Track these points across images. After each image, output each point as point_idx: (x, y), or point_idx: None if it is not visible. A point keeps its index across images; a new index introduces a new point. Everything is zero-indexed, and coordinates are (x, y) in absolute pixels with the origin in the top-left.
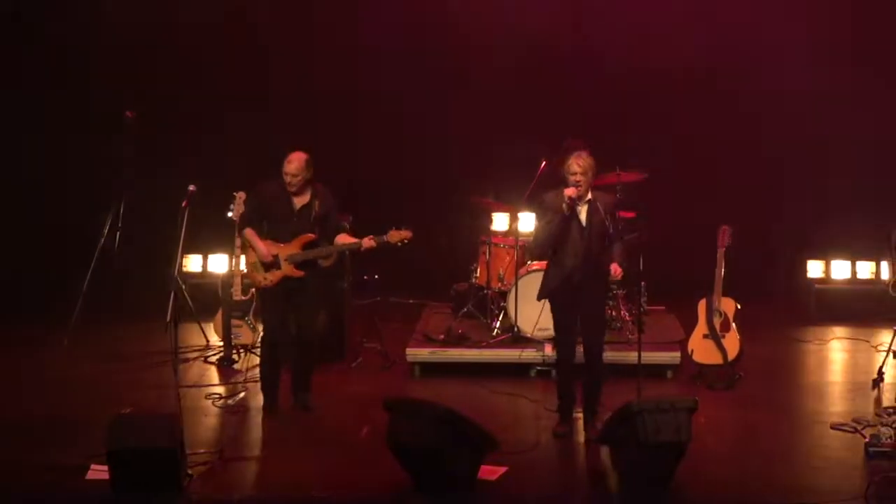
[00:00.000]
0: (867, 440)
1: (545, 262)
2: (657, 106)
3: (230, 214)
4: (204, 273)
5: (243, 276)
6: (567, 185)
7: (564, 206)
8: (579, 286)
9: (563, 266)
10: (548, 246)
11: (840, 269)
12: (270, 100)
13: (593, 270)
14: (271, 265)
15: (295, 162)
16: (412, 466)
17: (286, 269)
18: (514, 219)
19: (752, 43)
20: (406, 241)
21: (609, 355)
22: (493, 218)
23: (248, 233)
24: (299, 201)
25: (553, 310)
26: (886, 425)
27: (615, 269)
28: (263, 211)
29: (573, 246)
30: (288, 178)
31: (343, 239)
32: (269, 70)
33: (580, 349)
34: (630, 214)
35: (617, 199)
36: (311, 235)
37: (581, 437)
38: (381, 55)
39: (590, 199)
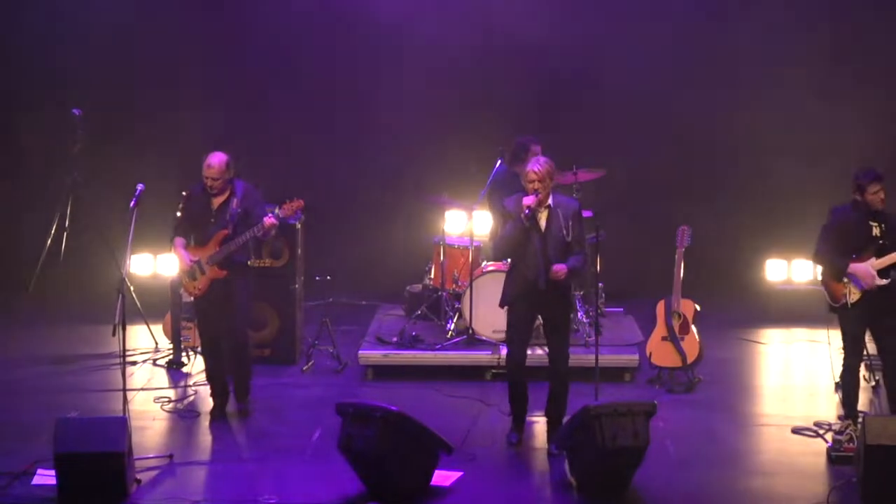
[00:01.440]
0: (829, 444)
1: (501, 263)
2: (615, 104)
3: (179, 214)
4: (153, 274)
5: (178, 286)
6: (525, 191)
7: (522, 215)
8: (543, 292)
9: (521, 274)
10: (507, 253)
11: (801, 270)
12: (224, 99)
13: (555, 280)
14: (195, 271)
15: (215, 165)
16: (364, 471)
17: (210, 271)
18: (469, 219)
19: (710, 43)
20: (300, 209)
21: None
22: (448, 218)
23: (175, 242)
24: (217, 201)
25: (510, 314)
26: (842, 431)
27: (556, 269)
28: (188, 216)
29: (533, 253)
30: (209, 182)
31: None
32: (222, 69)
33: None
34: (587, 214)
35: (580, 206)
36: (224, 232)
37: (537, 442)
38: (335, 53)
39: (550, 206)
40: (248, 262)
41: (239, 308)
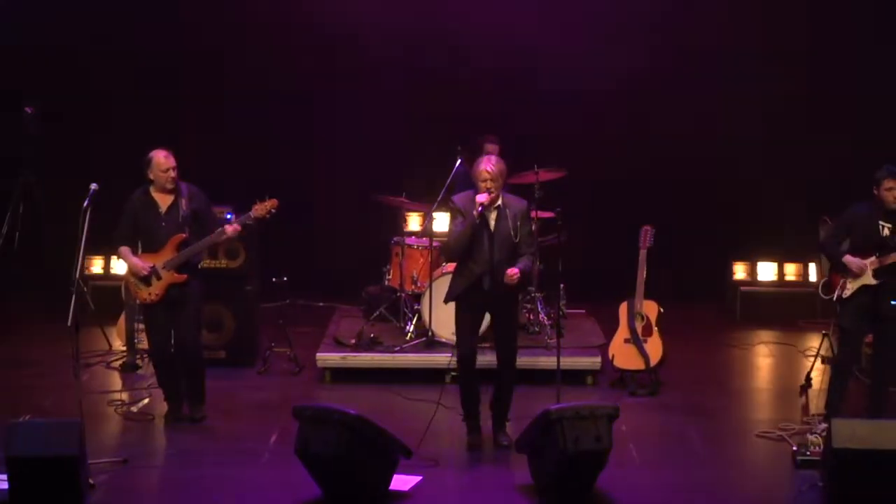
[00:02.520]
0: (795, 448)
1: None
2: (577, 103)
3: (123, 222)
4: (107, 275)
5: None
6: (477, 189)
7: (475, 212)
8: (488, 292)
9: (470, 272)
10: (458, 251)
11: (766, 271)
12: (180, 98)
13: (502, 277)
14: (149, 277)
15: (171, 156)
16: (322, 476)
17: (167, 276)
18: (428, 219)
19: (677, 42)
20: (274, 209)
21: (527, 361)
22: (407, 218)
23: (122, 250)
24: (165, 204)
25: (458, 311)
26: (814, 433)
27: (510, 272)
28: (133, 223)
29: (481, 252)
30: (172, 174)
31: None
32: (179, 68)
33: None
34: (549, 214)
35: (530, 206)
36: (182, 235)
37: (497, 446)
38: (290, 52)
39: (499, 205)
40: (200, 265)
41: (191, 313)
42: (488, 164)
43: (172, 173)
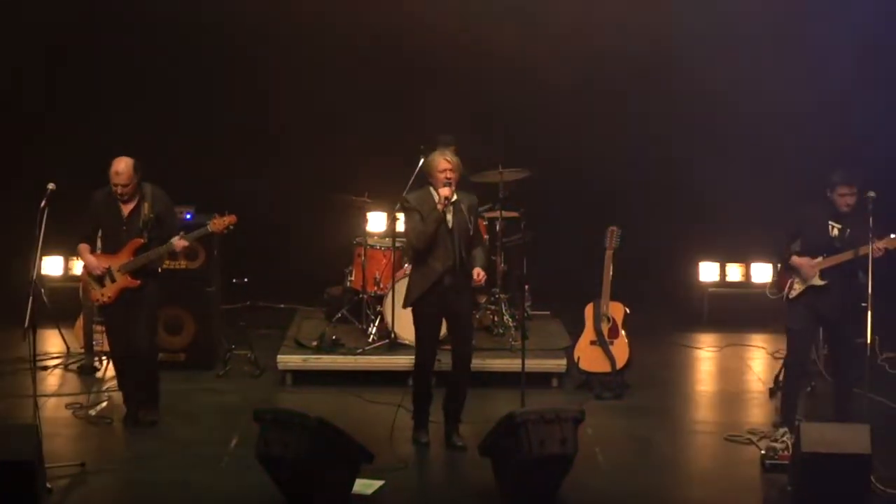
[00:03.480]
0: (763, 452)
1: None
2: (542, 101)
3: (85, 219)
4: (65, 276)
5: (84, 294)
6: (431, 183)
7: (440, 206)
8: (448, 291)
9: (433, 270)
10: (425, 248)
11: (734, 272)
12: (138, 98)
13: (462, 274)
14: (104, 278)
15: (123, 172)
16: (283, 480)
17: (121, 280)
18: (391, 219)
19: (643, 40)
20: (232, 225)
21: (491, 363)
22: (369, 218)
23: (80, 248)
24: (127, 207)
25: (417, 315)
26: (774, 440)
27: (477, 274)
28: (95, 222)
29: (442, 249)
30: (119, 190)
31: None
32: (134, 67)
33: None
34: (513, 214)
35: (478, 201)
36: (139, 240)
37: (459, 451)
38: (248, 52)
39: (455, 200)
40: (159, 269)
41: (147, 317)
42: (446, 156)
43: (119, 189)
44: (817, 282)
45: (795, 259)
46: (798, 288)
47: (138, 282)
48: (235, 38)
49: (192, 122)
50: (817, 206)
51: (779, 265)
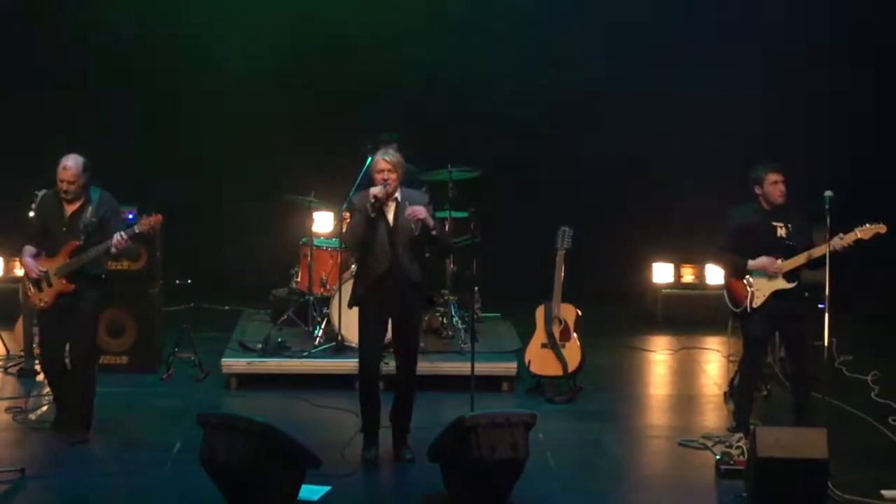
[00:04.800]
0: (718, 458)
1: None
2: (492, 100)
3: (32, 214)
4: (4, 277)
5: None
6: (374, 184)
7: (368, 205)
8: (390, 292)
9: (372, 270)
10: (355, 248)
11: (689, 274)
12: (80, 98)
13: (405, 275)
14: (41, 282)
15: (71, 168)
16: (228, 486)
17: (57, 284)
18: (337, 219)
19: (589, 38)
20: (157, 224)
21: (440, 366)
22: (315, 218)
23: (24, 249)
24: (71, 208)
25: (361, 319)
26: (729, 445)
27: (413, 209)
28: (40, 222)
29: (382, 249)
30: (64, 186)
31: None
32: (81, 68)
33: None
34: (463, 214)
35: (429, 199)
36: (75, 243)
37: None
38: (190, 50)
39: (397, 199)
40: (103, 276)
41: (86, 326)
42: (384, 156)
43: (65, 186)
44: (785, 285)
45: (760, 262)
46: (761, 297)
47: (73, 286)
48: (179, 35)
49: (135, 120)
50: (752, 209)
51: (730, 277)
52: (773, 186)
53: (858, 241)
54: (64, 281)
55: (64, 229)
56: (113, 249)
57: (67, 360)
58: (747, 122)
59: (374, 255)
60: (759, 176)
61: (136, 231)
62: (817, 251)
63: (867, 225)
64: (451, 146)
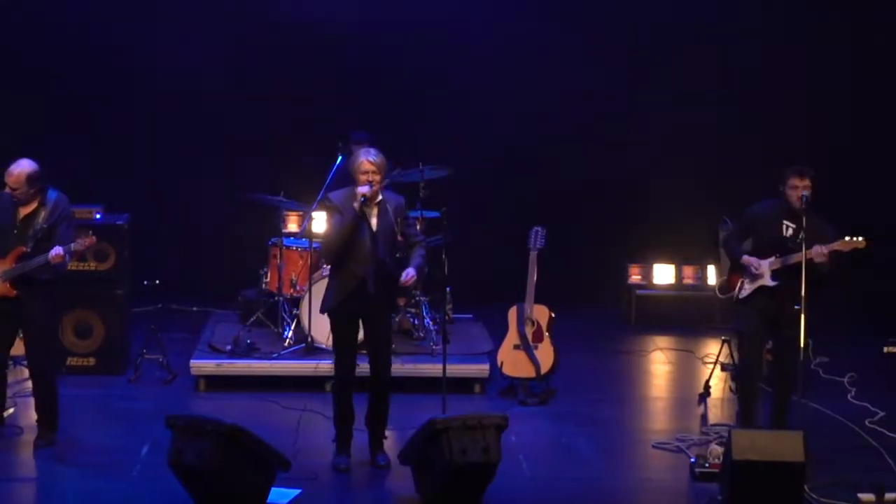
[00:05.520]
0: (693, 460)
1: None
2: (464, 99)
3: None
4: None
5: None
6: (355, 183)
7: (356, 204)
8: (368, 295)
9: (352, 274)
10: (339, 250)
11: (663, 274)
12: (42, 97)
13: (384, 279)
14: None
15: (14, 174)
16: (196, 489)
17: (0, 287)
18: (307, 219)
19: (566, 41)
20: (91, 246)
21: (412, 368)
22: (285, 218)
23: None
24: (24, 211)
25: (336, 323)
26: (713, 444)
27: (406, 275)
28: None
29: (363, 252)
30: (9, 189)
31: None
32: (43, 67)
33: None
34: (434, 214)
35: (406, 201)
36: (21, 249)
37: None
38: (157, 48)
39: (380, 200)
40: (54, 280)
41: (38, 332)
42: (370, 155)
43: (9, 189)
44: (768, 282)
45: (746, 258)
46: (748, 289)
47: (16, 292)
48: (144, 36)
49: (104, 119)
50: (771, 204)
51: (730, 264)
52: (793, 190)
53: (836, 253)
54: (7, 285)
55: (15, 232)
56: (50, 262)
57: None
58: (724, 123)
59: (354, 259)
60: (784, 176)
61: (73, 249)
62: (793, 258)
63: (848, 238)
64: (423, 145)
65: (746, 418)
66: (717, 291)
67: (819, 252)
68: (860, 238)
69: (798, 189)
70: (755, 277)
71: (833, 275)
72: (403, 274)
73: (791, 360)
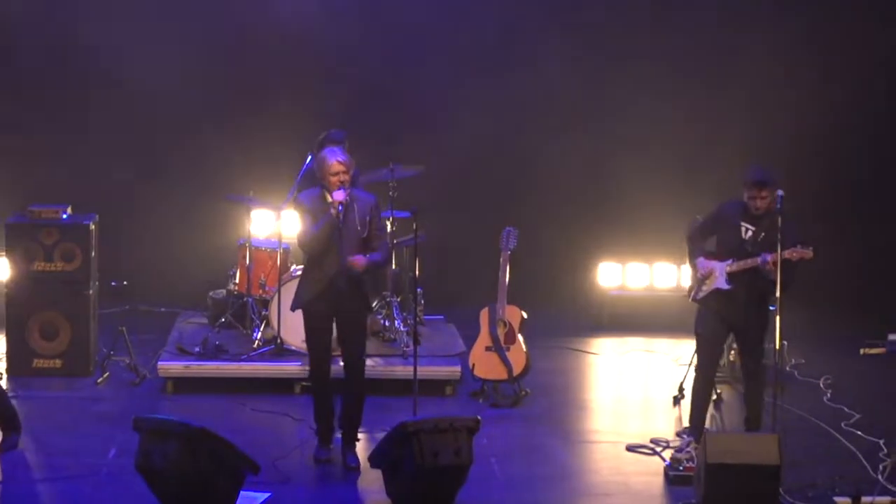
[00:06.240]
0: (667, 463)
1: None
2: (434, 96)
3: None
4: None
5: None
6: (324, 185)
7: (333, 211)
8: (340, 296)
9: (322, 273)
10: (319, 251)
11: (636, 275)
12: (12, 97)
13: (353, 278)
14: None
15: None
16: (164, 492)
17: None
18: (277, 219)
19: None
20: None
21: (382, 370)
22: (254, 218)
23: None
24: None
25: (308, 321)
26: (681, 451)
27: (354, 258)
28: None
29: (331, 251)
30: None
31: None
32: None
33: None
34: (405, 214)
35: (378, 200)
36: None
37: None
38: (123, 47)
39: (346, 200)
40: None
41: None
42: (339, 156)
43: None
44: (722, 286)
45: (699, 261)
46: (706, 289)
47: None
48: (111, 35)
49: (70, 119)
50: (733, 206)
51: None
52: (751, 200)
53: (785, 262)
54: None
55: None
56: None
57: None
58: (692, 121)
59: (325, 259)
60: (745, 182)
61: None
62: (737, 266)
63: (799, 247)
64: (393, 144)
65: (697, 419)
66: (688, 296)
67: (765, 261)
68: (809, 249)
69: (754, 200)
70: (705, 280)
71: (789, 282)
72: (354, 258)
73: (756, 360)
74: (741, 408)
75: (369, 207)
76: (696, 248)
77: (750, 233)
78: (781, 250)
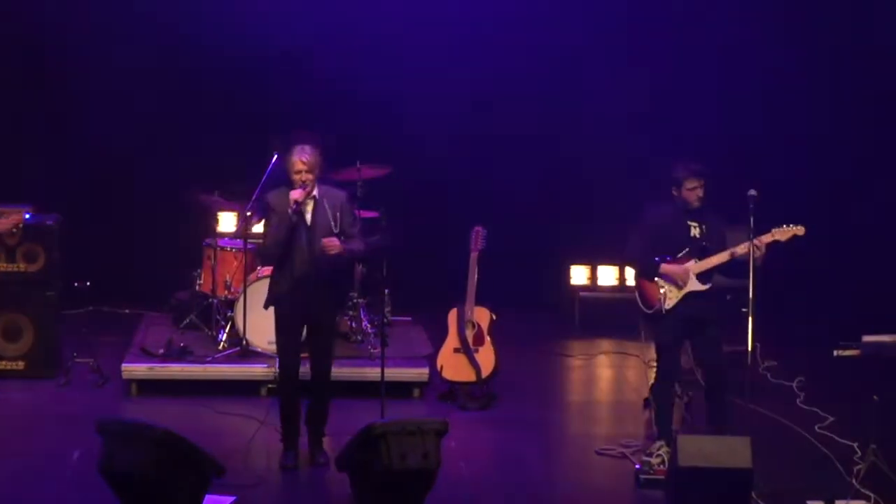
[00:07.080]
0: (637, 467)
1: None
2: (401, 94)
3: None
4: None
5: None
6: (291, 184)
7: (290, 210)
8: (311, 295)
9: (291, 273)
10: (276, 253)
11: (607, 276)
12: None
13: (324, 277)
14: None
15: None
16: (128, 496)
17: None
18: (242, 219)
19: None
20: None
21: (349, 372)
22: (219, 218)
23: None
24: None
25: (278, 321)
26: (649, 454)
27: (328, 240)
28: None
29: (300, 250)
30: None
31: None
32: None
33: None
34: (372, 214)
35: (350, 195)
36: None
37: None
38: (95, 46)
39: (315, 197)
40: None
41: None
42: (303, 155)
43: None
44: (698, 286)
45: (669, 268)
46: (674, 298)
47: None
48: (76, 34)
49: (32, 118)
50: (670, 208)
51: (640, 278)
52: (691, 192)
53: (775, 243)
54: None
55: None
56: None
57: None
58: (658, 120)
59: (293, 259)
60: (678, 179)
61: None
62: (740, 248)
63: (785, 226)
64: (360, 143)
65: (665, 424)
66: (641, 307)
67: (760, 242)
68: (799, 225)
69: (696, 190)
70: (681, 284)
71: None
72: (324, 241)
73: (716, 358)
74: (707, 409)
75: (339, 203)
76: (650, 262)
77: (697, 230)
78: (735, 245)
